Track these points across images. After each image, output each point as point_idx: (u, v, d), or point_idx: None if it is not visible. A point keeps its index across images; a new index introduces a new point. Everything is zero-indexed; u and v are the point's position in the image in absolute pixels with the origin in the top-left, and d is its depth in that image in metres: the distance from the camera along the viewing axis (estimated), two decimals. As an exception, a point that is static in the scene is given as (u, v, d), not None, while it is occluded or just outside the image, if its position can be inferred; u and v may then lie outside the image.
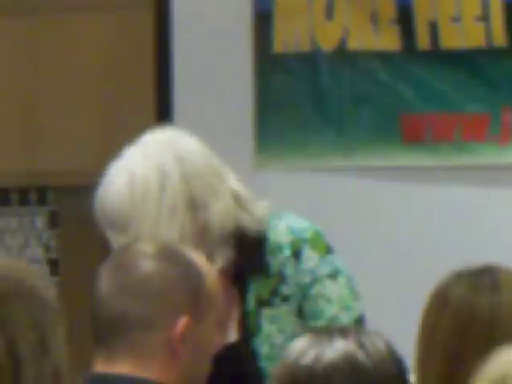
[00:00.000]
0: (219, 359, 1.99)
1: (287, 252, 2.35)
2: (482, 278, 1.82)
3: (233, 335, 2.42)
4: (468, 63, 3.13)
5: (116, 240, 2.25)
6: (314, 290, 2.37)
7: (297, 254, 2.37)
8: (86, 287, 1.99)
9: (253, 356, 2.41)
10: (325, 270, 2.39)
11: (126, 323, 1.71)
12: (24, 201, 3.96)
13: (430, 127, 3.14)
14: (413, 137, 3.19)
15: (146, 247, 1.82)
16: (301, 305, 2.38)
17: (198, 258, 1.80)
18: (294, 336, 2.07)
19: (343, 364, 1.49)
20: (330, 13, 3.23)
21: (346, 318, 2.37)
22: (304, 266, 2.37)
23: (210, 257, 2.17)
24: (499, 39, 3.04)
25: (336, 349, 1.58)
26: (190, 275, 1.73)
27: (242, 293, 2.43)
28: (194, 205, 2.27)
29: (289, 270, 2.35)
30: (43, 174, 4.01)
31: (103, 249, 2.90)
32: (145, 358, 1.76)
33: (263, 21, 3.34)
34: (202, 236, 2.27)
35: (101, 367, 1.77)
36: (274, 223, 2.35)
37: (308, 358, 1.47)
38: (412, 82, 3.19)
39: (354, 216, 2.79)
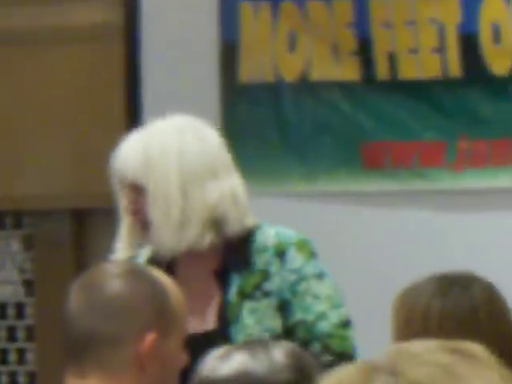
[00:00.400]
0: (196, 345, 2.15)
1: (271, 251, 2.53)
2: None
3: (211, 323, 2.64)
4: (425, 93, 3.24)
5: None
6: (301, 288, 2.53)
7: (281, 255, 2.54)
8: (60, 307, 2.01)
9: (228, 343, 2.46)
10: (310, 270, 2.54)
11: (94, 340, 1.77)
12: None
13: (389, 154, 3.24)
14: (373, 163, 3.27)
15: (114, 267, 1.93)
16: (285, 301, 2.56)
17: (162, 276, 1.93)
18: (270, 328, 2.53)
19: (235, 376, 1.68)
20: (292, 45, 3.33)
21: (334, 317, 2.55)
22: (289, 265, 2.54)
23: (195, 238, 2.51)
24: (455, 70, 3.16)
25: (232, 361, 1.79)
26: (155, 293, 1.80)
27: (225, 284, 2.63)
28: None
29: (273, 269, 2.53)
30: (18, 199, 4.13)
31: (76, 270, 3.01)
32: (114, 373, 1.82)
33: (229, 51, 3.42)
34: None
35: (72, 382, 1.86)
36: (265, 228, 2.55)
37: (207, 370, 1.68)
38: (372, 111, 3.29)
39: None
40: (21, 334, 4.10)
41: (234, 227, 2.57)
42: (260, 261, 2.57)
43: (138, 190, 2.61)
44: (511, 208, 3.16)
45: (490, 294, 2.11)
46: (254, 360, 1.75)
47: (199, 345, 2.33)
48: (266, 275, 2.57)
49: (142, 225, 2.66)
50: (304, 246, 2.62)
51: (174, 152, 2.61)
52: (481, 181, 3.19)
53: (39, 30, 4.09)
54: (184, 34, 3.58)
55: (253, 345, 1.86)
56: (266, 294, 2.61)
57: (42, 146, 3.89)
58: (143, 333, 1.80)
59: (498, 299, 2.11)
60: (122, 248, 2.70)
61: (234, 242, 2.59)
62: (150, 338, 1.78)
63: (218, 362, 1.77)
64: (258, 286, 2.64)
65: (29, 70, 4.15)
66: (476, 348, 0.78)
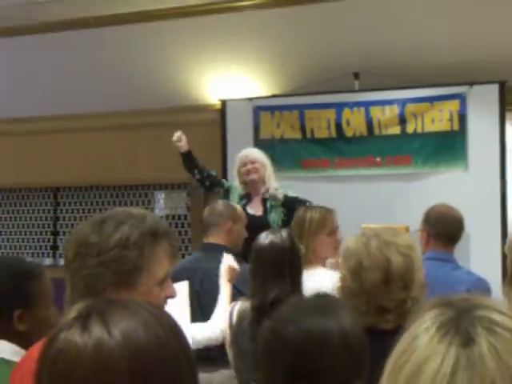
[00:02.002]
0: (254, 223, 5.12)
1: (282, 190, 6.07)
2: None
3: (260, 212, 5.89)
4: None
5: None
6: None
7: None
8: None
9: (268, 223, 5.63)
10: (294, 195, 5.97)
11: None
12: None
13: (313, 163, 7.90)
14: (307, 166, 7.96)
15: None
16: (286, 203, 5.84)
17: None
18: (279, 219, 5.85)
19: (269, 243, 3.65)
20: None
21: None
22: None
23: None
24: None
25: (265, 236, 3.77)
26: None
27: (265, 201, 5.98)
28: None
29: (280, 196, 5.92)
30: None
31: None
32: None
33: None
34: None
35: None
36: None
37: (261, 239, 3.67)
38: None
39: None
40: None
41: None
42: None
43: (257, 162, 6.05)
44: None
45: None
46: (276, 236, 3.61)
47: (255, 222, 5.38)
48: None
49: (258, 178, 5.97)
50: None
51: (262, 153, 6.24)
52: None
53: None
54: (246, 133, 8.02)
55: (275, 230, 3.74)
56: (280, 205, 5.85)
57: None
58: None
59: None
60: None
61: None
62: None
63: (262, 237, 3.61)
64: (277, 205, 5.83)
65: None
66: None
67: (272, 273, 3.55)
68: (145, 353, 1.21)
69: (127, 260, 1.93)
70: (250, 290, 3.64)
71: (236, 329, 3.64)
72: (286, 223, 5.50)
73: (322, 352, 1.83)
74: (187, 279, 4.35)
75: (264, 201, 5.94)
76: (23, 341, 2.54)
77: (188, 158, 6.35)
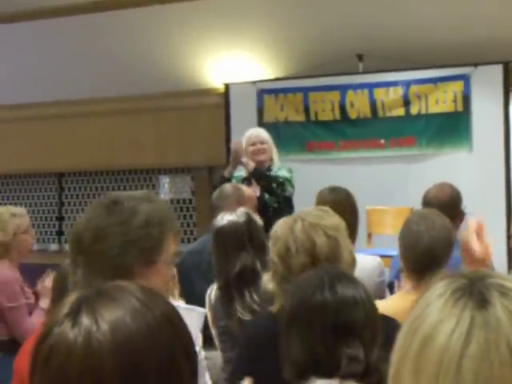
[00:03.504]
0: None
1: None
2: None
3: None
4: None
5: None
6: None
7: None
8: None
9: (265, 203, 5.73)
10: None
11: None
12: None
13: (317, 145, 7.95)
14: (311, 149, 7.97)
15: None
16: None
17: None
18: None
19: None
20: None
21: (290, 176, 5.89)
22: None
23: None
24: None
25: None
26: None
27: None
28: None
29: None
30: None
31: None
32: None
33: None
34: None
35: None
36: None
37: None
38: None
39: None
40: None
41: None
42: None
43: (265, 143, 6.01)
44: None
45: None
46: (231, 215, 3.77)
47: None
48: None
49: (266, 159, 5.92)
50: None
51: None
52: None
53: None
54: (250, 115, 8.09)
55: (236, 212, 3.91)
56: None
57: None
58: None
59: None
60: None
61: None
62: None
63: (218, 219, 3.84)
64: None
65: (178, 123, 8.56)
66: None
67: (232, 247, 3.66)
68: (134, 343, 1.19)
69: (151, 238, 2.00)
70: (216, 269, 3.73)
71: (214, 308, 3.72)
72: (280, 202, 5.70)
73: (358, 309, 2.09)
74: (195, 261, 4.36)
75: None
76: None
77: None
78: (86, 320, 1.20)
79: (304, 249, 2.60)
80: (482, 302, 1.04)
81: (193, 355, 1.28)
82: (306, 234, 2.62)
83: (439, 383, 1.01)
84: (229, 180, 5.88)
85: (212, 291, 3.82)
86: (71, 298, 1.27)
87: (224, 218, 3.79)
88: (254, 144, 6.02)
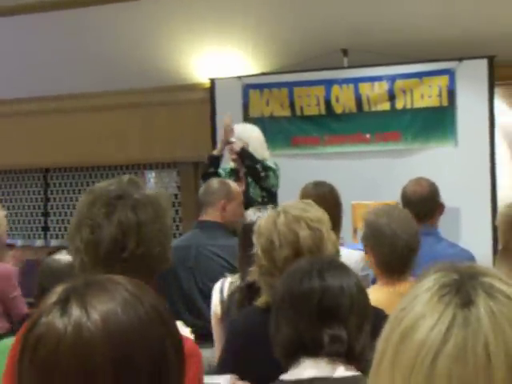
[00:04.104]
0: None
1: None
2: None
3: None
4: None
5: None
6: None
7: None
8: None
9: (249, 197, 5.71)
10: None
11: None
12: None
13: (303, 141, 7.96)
14: (296, 143, 7.97)
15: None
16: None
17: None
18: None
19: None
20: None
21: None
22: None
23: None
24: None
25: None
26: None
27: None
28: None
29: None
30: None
31: None
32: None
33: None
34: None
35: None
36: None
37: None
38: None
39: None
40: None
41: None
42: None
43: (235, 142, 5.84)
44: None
45: None
46: (262, 213, 3.49)
47: None
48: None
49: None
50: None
51: (253, 129, 6.21)
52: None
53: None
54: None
55: (262, 208, 3.73)
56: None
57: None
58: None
59: None
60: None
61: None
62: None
63: (249, 213, 3.79)
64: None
65: (164, 118, 8.48)
66: None
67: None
68: (125, 334, 1.19)
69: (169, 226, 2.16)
70: (238, 265, 3.67)
71: (228, 303, 3.64)
72: (264, 197, 5.71)
73: (343, 295, 2.16)
74: (181, 257, 4.35)
75: (246, 176, 5.88)
76: None
77: (216, 163, 6.03)
78: (75, 310, 1.20)
79: (287, 242, 2.62)
80: (467, 301, 1.03)
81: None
82: (288, 227, 2.63)
83: (412, 378, 1.01)
84: (217, 164, 5.91)
85: (224, 285, 3.75)
86: (58, 288, 1.26)
87: (255, 214, 3.70)
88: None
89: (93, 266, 2.00)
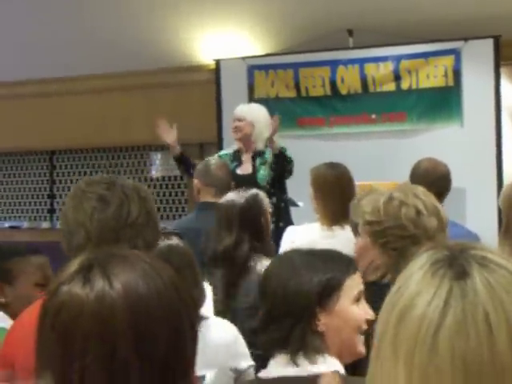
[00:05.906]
0: (243, 181, 5.02)
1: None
2: None
3: (250, 171, 5.73)
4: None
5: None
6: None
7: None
8: None
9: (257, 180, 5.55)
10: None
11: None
12: None
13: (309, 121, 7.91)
14: (302, 124, 7.93)
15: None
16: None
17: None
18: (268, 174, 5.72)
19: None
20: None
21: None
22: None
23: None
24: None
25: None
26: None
27: (255, 159, 5.76)
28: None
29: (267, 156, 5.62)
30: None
31: None
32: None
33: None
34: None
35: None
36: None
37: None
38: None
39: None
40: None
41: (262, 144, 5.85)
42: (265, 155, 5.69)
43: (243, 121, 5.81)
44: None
45: None
46: (237, 195, 3.90)
47: (243, 182, 5.05)
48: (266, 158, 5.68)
49: (243, 136, 5.76)
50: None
51: (260, 109, 6.03)
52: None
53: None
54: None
55: (243, 191, 3.99)
56: (267, 163, 5.66)
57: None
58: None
59: None
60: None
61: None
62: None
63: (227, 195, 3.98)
64: (264, 162, 5.68)
65: (169, 100, 8.45)
66: None
67: (222, 227, 3.80)
68: (145, 304, 1.23)
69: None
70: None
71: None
72: (274, 180, 5.63)
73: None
74: (192, 241, 4.36)
75: (254, 159, 5.84)
76: (6, 312, 2.83)
77: (183, 161, 6.10)
78: (98, 279, 1.24)
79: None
80: (461, 274, 1.03)
81: (194, 319, 1.32)
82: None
83: (416, 355, 1.01)
84: (178, 159, 6.11)
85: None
86: (80, 258, 1.30)
87: (230, 196, 3.89)
88: (233, 121, 5.96)
89: (99, 235, 2.04)
